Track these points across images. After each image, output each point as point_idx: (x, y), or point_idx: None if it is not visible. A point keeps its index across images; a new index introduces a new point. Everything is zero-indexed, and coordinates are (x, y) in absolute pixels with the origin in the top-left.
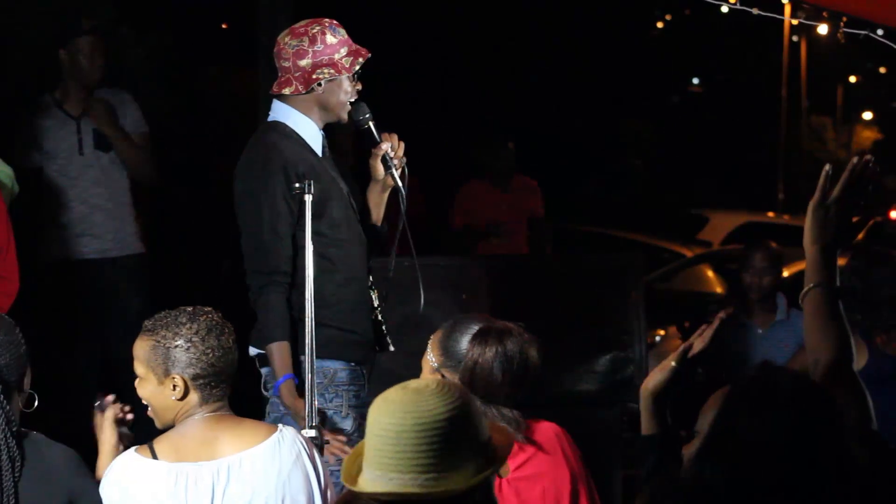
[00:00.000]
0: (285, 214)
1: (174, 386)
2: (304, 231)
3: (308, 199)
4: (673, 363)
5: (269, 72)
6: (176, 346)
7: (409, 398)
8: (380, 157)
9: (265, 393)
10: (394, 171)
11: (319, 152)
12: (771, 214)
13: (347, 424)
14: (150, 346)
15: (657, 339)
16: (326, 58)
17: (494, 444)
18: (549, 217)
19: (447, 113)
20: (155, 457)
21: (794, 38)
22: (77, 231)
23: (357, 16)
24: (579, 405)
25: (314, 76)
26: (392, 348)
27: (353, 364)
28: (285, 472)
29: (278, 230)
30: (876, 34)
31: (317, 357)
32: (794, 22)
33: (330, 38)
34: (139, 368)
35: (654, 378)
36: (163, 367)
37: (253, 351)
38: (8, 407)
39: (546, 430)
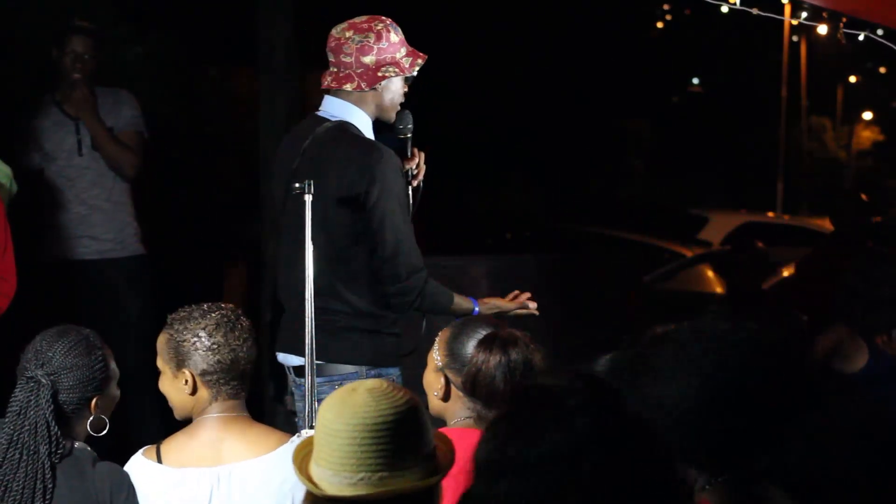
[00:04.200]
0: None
1: (185, 381)
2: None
3: (308, 199)
4: None
5: (268, 72)
6: (184, 341)
7: (361, 399)
8: (403, 171)
9: (298, 404)
10: (410, 187)
11: None
12: (771, 214)
13: None
14: (165, 339)
15: None
16: (389, 56)
17: (438, 451)
18: (550, 217)
19: (446, 113)
20: (160, 460)
21: (794, 38)
22: (76, 232)
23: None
24: None
25: (379, 73)
26: None
27: (398, 369)
28: (289, 484)
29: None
30: (876, 34)
31: (380, 365)
32: (794, 22)
33: (393, 37)
34: (158, 362)
35: None
36: (174, 361)
37: (293, 360)
38: (56, 431)
39: None
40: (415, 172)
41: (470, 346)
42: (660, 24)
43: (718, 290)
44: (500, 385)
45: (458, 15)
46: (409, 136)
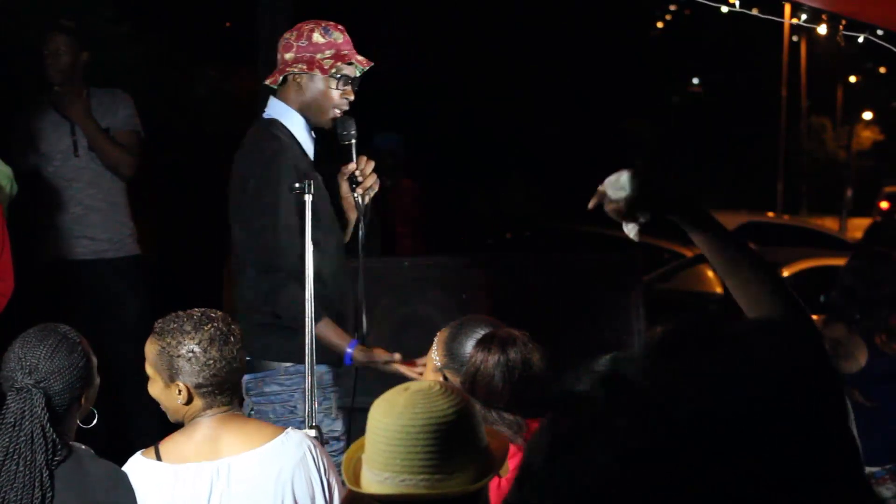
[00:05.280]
0: (294, 213)
1: (179, 391)
2: (304, 231)
3: (308, 199)
4: None
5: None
6: (179, 356)
7: (415, 400)
8: (346, 177)
9: (245, 397)
10: (357, 194)
11: (311, 154)
12: (771, 214)
13: (338, 426)
14: (156, 350)
15: None
16: (308, 55)
17: (492, 448)
18: (550, 217)
19: (447, 113)
20: (159, 458)
21: (794, 39)
22: (73, 232)
23: (356, 17)
24: None
25: (288, 69)
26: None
27: (332, 368)
28: (287, 473)
29: (291, 226)
30: (875, 35)
31: (303, 362)
32: (795, 21)
33: (317, 38)
34: (148, 369)
35: None
36: (167, 373)
37: None
38: (53, 436)
39: None
40: (359, 180)
41: (468, 346)
42: (660, 24)
43: (718, 290)
44: (499, 384)
45: (458, 15)
46: (350, 142)
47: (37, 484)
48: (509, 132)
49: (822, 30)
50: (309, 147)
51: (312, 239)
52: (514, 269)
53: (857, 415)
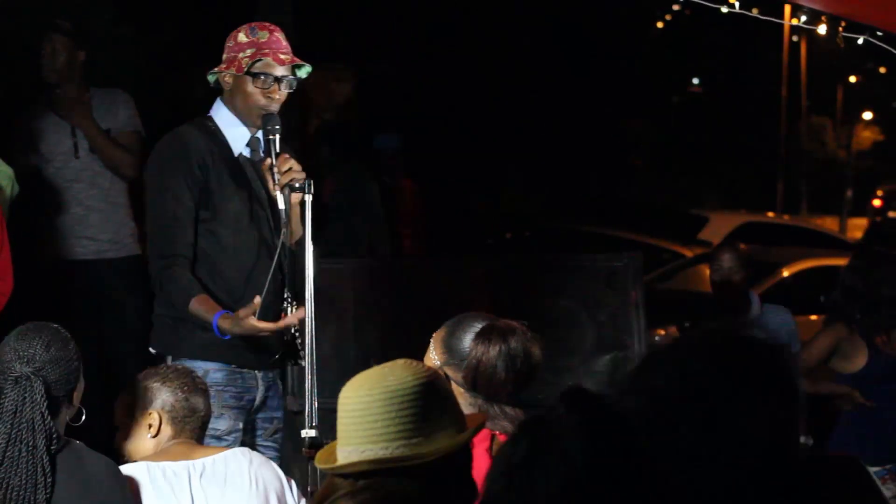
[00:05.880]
0: (186, 200)
1: (150, 424)
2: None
3: (308, 198)
4: None
5: None
6: (154, 386)
7: (377, 373)
8: (266, 170)
9: None
10: (277, 188)
11: (237, 151)
12: (771, 214)
13: (221, 424)
14: (132, 390)
15: (657, 339)
16: (232, 54)
17: (468, 421)
18: (550, 217)
19: (447, 113)
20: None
21: (794, 38)
22: (74, 233)
23: (356, 17)
24: None
25: (212, 70)
26: (303, 363)
27: (233, 366)
28: (256, 466)
29: (178, 216)
30: (875, 36)
31: (190, 357)
32: (795, 21)
33: (241, 38)
34: (118, 417)
35: None
36: (141, 402)
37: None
38: (52, 424)
39: None
40: (275, 172)
41: (467, 340)
42: (660, 24)
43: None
44: (502, 375)
45: (458, 15)
46: (271, 137)
47: (39, 469)
48: (509, 132)
49: (822, 30)
50: (238, 143)
51: (209, 229)
52: (514, 269)
53: (857, 415)
